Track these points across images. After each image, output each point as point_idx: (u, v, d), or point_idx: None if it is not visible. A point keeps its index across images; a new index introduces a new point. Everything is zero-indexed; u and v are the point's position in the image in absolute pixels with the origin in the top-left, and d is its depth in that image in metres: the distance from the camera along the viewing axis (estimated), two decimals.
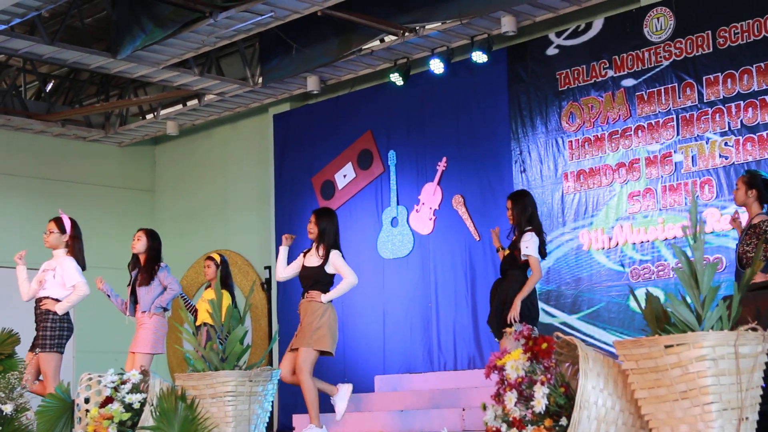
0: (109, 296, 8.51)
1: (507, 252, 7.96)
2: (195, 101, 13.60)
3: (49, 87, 14.40)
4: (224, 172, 14.53)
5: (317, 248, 7.95)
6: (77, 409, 4.99)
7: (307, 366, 7.76)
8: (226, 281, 9.86)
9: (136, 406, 4.76)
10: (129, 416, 4.73)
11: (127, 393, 4.81)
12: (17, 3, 9.96)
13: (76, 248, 8.14)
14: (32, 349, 7.93)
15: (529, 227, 7.87)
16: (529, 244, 7.77)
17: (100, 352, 13.30)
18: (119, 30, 11.35)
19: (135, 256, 8.44)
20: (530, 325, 7.60)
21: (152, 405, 4.58)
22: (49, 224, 8.16)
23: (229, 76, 12.78)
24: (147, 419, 4.61)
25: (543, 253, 7.94)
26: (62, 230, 8.10)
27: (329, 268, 7.90)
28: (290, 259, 8.32)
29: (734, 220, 7.93)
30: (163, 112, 14.07)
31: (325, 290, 7.92)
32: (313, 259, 7.94)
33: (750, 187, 7.49)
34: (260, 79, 12.64)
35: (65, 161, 14.59)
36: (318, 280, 7.89)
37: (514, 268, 7.87)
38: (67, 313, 8.07)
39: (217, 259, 10.03)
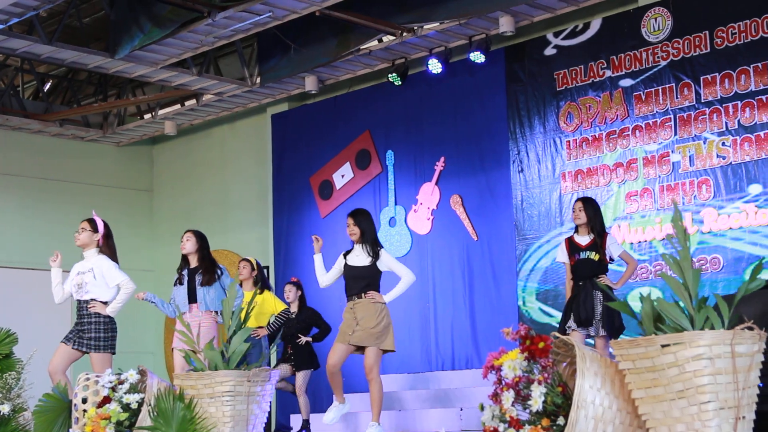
0: (153, 302, 8.56)
1: (597, 256, 8.00)
2: (193, 101, 13.60)
3: (47, 87, 14.40)
4: (222, 172, 14.54)
5: (363, 248, 7.99)
6: (75, 409, 4.98)
7: (378, 365, 7.90)
8: (266, 283, 10.14)
9: (134, 406, 4.76)
10: (126, 416, 4.73)
11: (125, 393, 4.81)
12: (15, 2, 9.96)
13: (109, 248, 8.20)
14: (69, 342, 7.93)
15: (604, 231, 8.12)
16: (621, 246, 8.23)
17: None
18: (117, 30, 11.35)
19: (184, 257, 8.52)
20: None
21: (150, 405, 4.58)
22: (82, 223, 8.25)
23: (228, 76, 12.79)
24: (144, 419, 4.61)
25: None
26: (95, 229, 8.15)
27: (382, 266, 7.96)
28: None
29: None
30: (161, 111, 14.06)
31: (377, 290, 7.96)
32: (360, 259, 7.98)
33: None
34: (258, 79, 12.65)
35: (63, 161, 14.59)
36: (372, 280, 7.94)
37: (604, 271, 8.01)
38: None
39: (253, 261, 10.16)
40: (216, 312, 8.38)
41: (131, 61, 11.80)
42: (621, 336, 7.90)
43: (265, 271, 10.47)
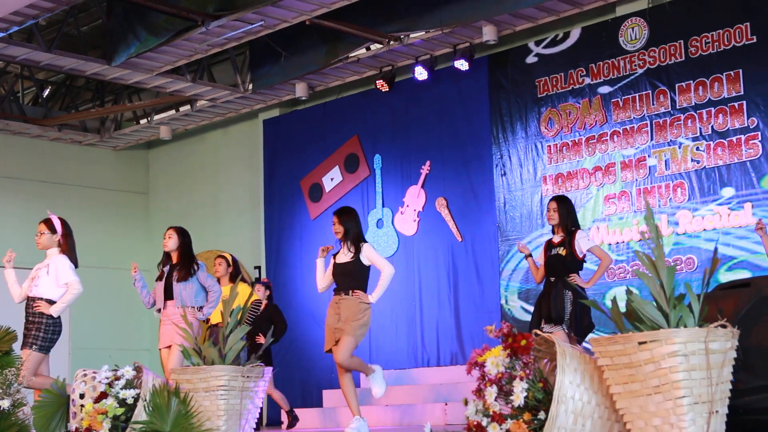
0: (136, 282, 8.31)
1: (565, 252, 7.83)
2: (187, 107, 13.57)
3: (46, 93, 14.36)
4: (216, 175, 14.51)
5: (346, 245, 7.94)
6: (72, 405, 4.96)
7: (351, 354, 7.78)
8: (242, 277, 10.04)
9: (130, 401, 4.74)
10: (123, 411, 4.71)
11: (121, 389, 4.79)
12: (15, 12, 9.93)
13: (68, 246, 8.00)
14: (24, 345, 7.77)
15: (576, 227, 7.95)
16: (591, 241, 7.96)
17: (96, 349, 13.28)
18: (114, 38, 11.32)
19: (166, 254, 8.36)
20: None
21: (145, 400, 4.57)
22: (40, 226, 7.97)
23: (221, 83, 12.76)
24: (140, 414, 4.59)
25: None
26: (53, 230, 7.95)
27: (364, 260, 7.88)
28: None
29: (761, 228, 7.77)
30: (156, 117, 14.04)
31: (363, 286, 7.87)
32: (345, 256, 7.92)
33: None
34: (250, 86, 12.63)
35: (62, 164, 14.55)
36: (356, 276, 7.85)
37: (574, 268, 7.83)
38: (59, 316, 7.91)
39: (228, 257, 10.05)
40: (195, 308, 8.21)
41: (128, 68, 11.77)
42: (591, 334, 7.83)
43: (259, 269, 10.46)
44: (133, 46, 11.09)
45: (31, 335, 7.57)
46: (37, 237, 7.93)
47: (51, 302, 7.68)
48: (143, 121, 14.28)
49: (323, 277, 8.03)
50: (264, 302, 10.37)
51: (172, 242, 8.29)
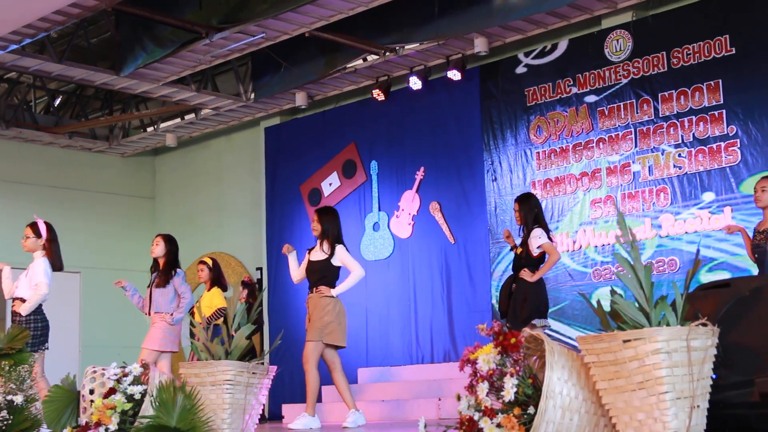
0: (126, 291, 8.30)
1: (520, 250, 7.80)
2: (192, 115, 13.57)
3: (58, 102, 14.35)
4: (219, 180, 14.51)
5: (321, 244, 7.90)
6: (83, 400, 4.96)
7: (314, 358, 7.73)
8: (219, 281, 9.87)
9: (137, 396, 4.74)
10: (130, 406, 4.70)
11: (129, 385, 4.78)
12: (28, 24, 9.93)
13: (52, 250, 7.94)
14: None
15: (536, 225, 7.79)
16: (541, 238, 7.71)
17: (105, 347, 13.26)
18: (122, 49, 11.32)
19: (155, 260, 8.33)
20: (544, 318, 7.59)
21: (152, 396, 4.56)
22: (26, 230, 7.95)
23: (224, 92, 12.76)
24: (147, 409, 4.59)
25: None
26: (38, 234, 7.92)
27: (335, 261, 7.83)
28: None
29: (733, 227, 7.77)
30: (162, 125, 14.03)
31: (332, 284, 7.83)
32: (318, 254, 7.88)
33: None
34: (252, 95, 12.63)
35: (72, 170, 14.54)
36: (325, 274, 7.80)
37: (529, 265, 7.73)
38: (38, 312, 7.76)
39: (209, 262, 9.99)
40: (168, 314, 8.16)
41: (135, 79, 11.77)
42: (566, 327, 7.82)
43: (261, 270, 10.42)
44: (140, 57, 11.09)
45: None
46: (23, 240, 7.89)
47: (23, 300, 7.67)
48: (150, 129, 14.27)
49: (297, 271, 8.04)
50: (243, 300, 10.40)
51: (159, 249, 8.27)
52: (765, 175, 7.87)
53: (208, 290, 9.80)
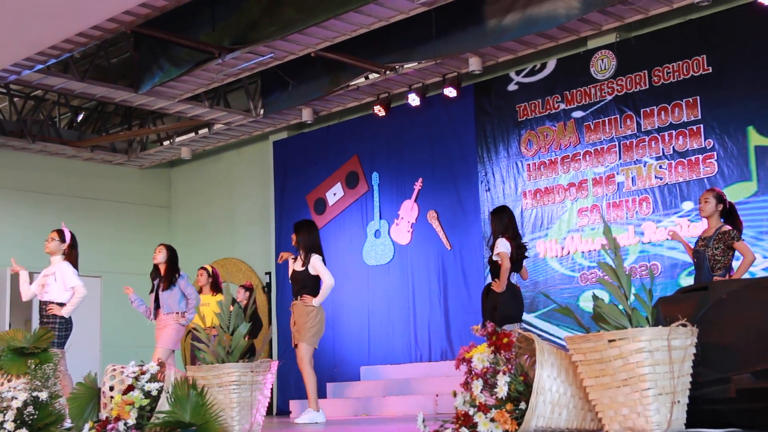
0: (132, 302, 8.44)
1: (493, 259, 7.73)
2: (205, 130, 13.59)
3: (80, 118, 14.37)
4: (231, 190, 14.51)
5: (300, 255, 7.96)
6: (103, 396, 4.96)
7: (308, 358, 7.79)
8: (218, 286, 9.94)
9: (154, 393, 4.73)
10: (148, 402, 4.70)
11: (146, 382, 4.78)
12: (53, 46, 9.95)
13: (72, 256, 8.05)
14: None
15: (501, 235, 7.69)
16: (498, 248, 7.63)
17: (124, 347, 13.24)
18: (140, 69, 11.34)
19: (155, 267, 8.40)
20: (516, 323, 7.52)
21: (168, 392, 4.55)
22: (52, 233, 8.08)
23: (235, 108, 12.78)
24: (163, 405, 4.58)
25: (519, 255, 7.76)
26: (62, 239, 8.02)
27: (312, 270, 7.88)
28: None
29: (675, 234, 7.82)
30: (178, 139, 14.04)
31: (314, 293, 7.87)
32: (298, 265, 7.95)
33: (719, 201, 7.26)
34: (262, 111, 12.65)
35: (93, 181, 14.55)
36: (306, 284, 7.87)
37: (496, 274, 7.67)
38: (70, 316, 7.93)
39: (209, 269, 10.08)
40: (179, 313, 8.25)
41: (152, 96, 11.79)
42: (556, 327, 7.82)
43: (270, 274, 10.42)
44: (157, 75, 11.11)
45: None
46: (46, 241, 7.99)
47: (61, 304, 7.75)
48: (166, 143, 14.28)
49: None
50: (244, 302, 10.52)
51: (161, 256, 8.40)
52: (708, 189, 7.88)
53: (213, 295, 9.82)
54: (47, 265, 8.09)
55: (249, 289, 10.74)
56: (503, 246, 7.61)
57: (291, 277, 8.01)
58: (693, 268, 7.61)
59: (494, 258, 7.67)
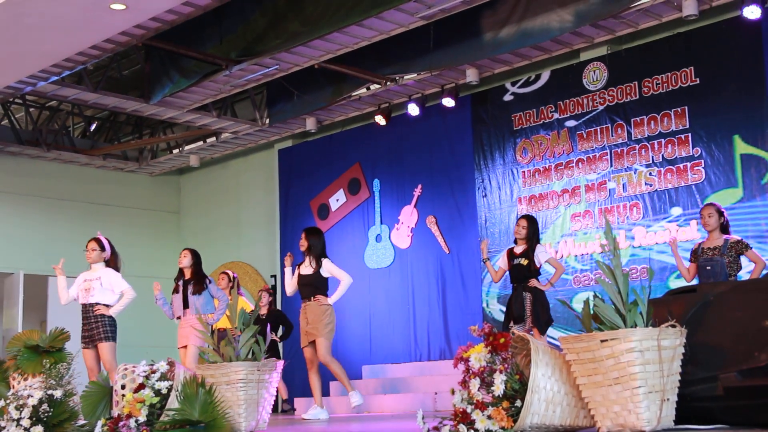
0: (157, 300, 8.50)
1: (526, 262, 7.82)
2: (213, 138, 13.59)
3: (93, 127, 14.37)
4: (237, 197, 14.51)
5: (309, 259, 7.98)
6: (115, 394, 4.95)
7: (328, 351, 7.82)
8: (238, 291, 9.98)
9: (164, 391, 4.73)
10: (158, 400, 4.70)
11: (157, 380, 4.78)
12: (67, 58, 9.96)
13: (115, 262, 8.21)
14: (87, 345, 7.95)
15: (537, 241, 7.94)
16: (547, 253, 7.97)
17: (135, 347, 13.23)
18: (151, 80, 11.35)
19: (180, 270, 8.49)
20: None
21: (177, 391, 4.55)
22: (91, 243, 8.18)
23: (242, 118, 12.78)
24: (173, 402, 4.58)
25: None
26: (102, 248, 8.15)
27: (324, 273, 7.93)
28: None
29: (675, 244, 7.89)
30: (187, 147, 14.05)
31: (325, 293, 7.94)
32: (307, 269, 7.97)
33: (720, 215, 7.45)
34: (267, 120, 12.65)
35: (106, 188, 14.56)
36: (317, 285, 7.92)
37: (534, 276, 7.80)
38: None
39: (230, 274, 10.11)
40: (207, 315, 8.33)
41: (162, 106, 11.80)
42: (550, 328, 7.91)
43: (275, 278, 10.44)
44: (167, 86, 11.12)
45: (102, 332, 7.88)
46: (88, 252, 8.14)
47: (108, 306, 7.95)
48: (176, 151, 14.29)
49: (291, 283, 8.09)
50: (267, 307, 10.53)
51: (186, 260, 8.46)
52: (708, 203, 7.96)
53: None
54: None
55: (269, 291, 10.78)
56: (549, 251, 7.97)
57: (299, 282, 8.01)
58: (683, 272, 7.66)
59: (543, 262, 7.85)
